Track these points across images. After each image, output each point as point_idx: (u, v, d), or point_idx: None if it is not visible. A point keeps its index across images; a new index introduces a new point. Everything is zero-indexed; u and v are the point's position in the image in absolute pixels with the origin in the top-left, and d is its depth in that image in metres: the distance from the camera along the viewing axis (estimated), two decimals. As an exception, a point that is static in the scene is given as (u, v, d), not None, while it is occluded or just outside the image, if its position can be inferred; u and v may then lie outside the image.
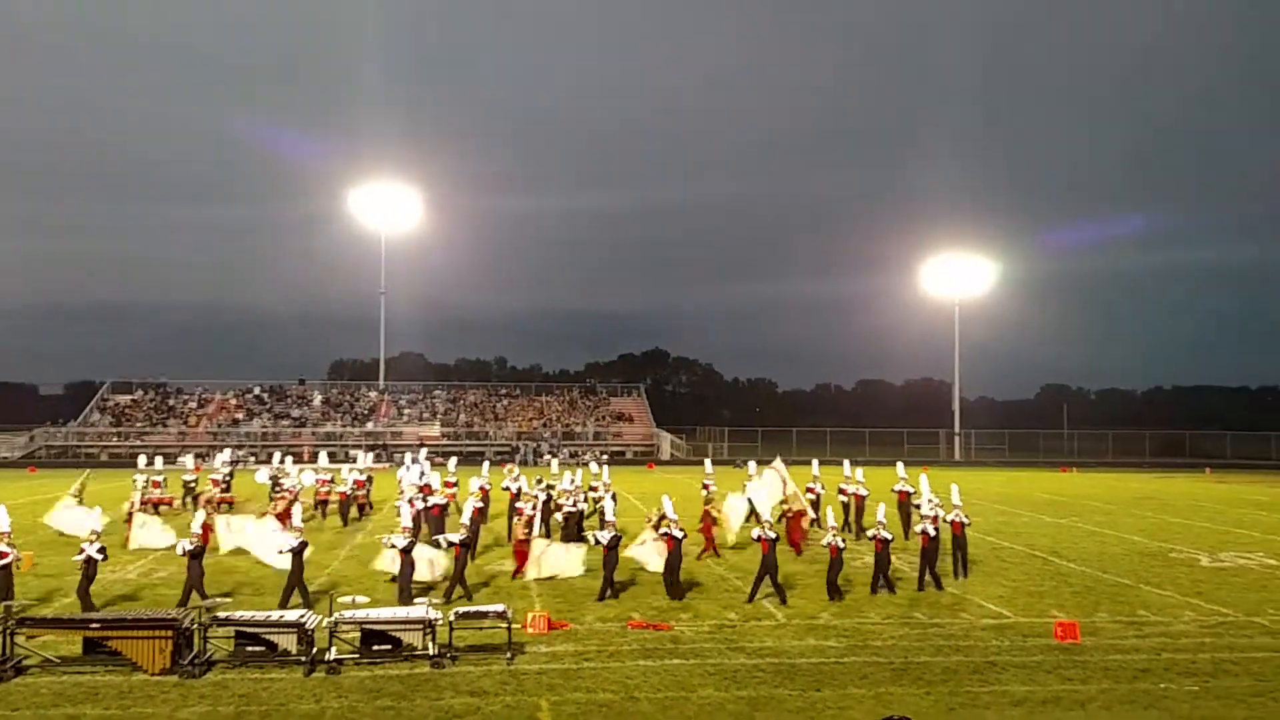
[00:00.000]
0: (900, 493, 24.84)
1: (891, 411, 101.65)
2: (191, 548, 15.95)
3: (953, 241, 77.55)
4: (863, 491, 24.82)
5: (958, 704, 11.66)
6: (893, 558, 18.83)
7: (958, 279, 73.42)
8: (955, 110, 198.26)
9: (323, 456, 31.75)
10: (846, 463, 26.77)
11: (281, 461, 31.07)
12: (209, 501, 23.77)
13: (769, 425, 76.72)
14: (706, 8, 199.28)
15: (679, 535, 17.44)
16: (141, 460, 29.44)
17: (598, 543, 17.62)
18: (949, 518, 19.66)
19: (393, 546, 16.69)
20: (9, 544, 15.39)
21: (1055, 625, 15.10)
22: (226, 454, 31.75)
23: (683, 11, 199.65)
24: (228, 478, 29.23)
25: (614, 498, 22.86)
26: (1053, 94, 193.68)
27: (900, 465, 26.04)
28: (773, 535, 17.13)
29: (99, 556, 15.63)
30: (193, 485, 29.85)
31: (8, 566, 14.96)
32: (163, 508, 26.91)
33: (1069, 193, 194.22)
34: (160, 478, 28.24)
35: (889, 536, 17.93)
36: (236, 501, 27.29)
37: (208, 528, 19.05)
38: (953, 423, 74.29)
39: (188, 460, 31.10)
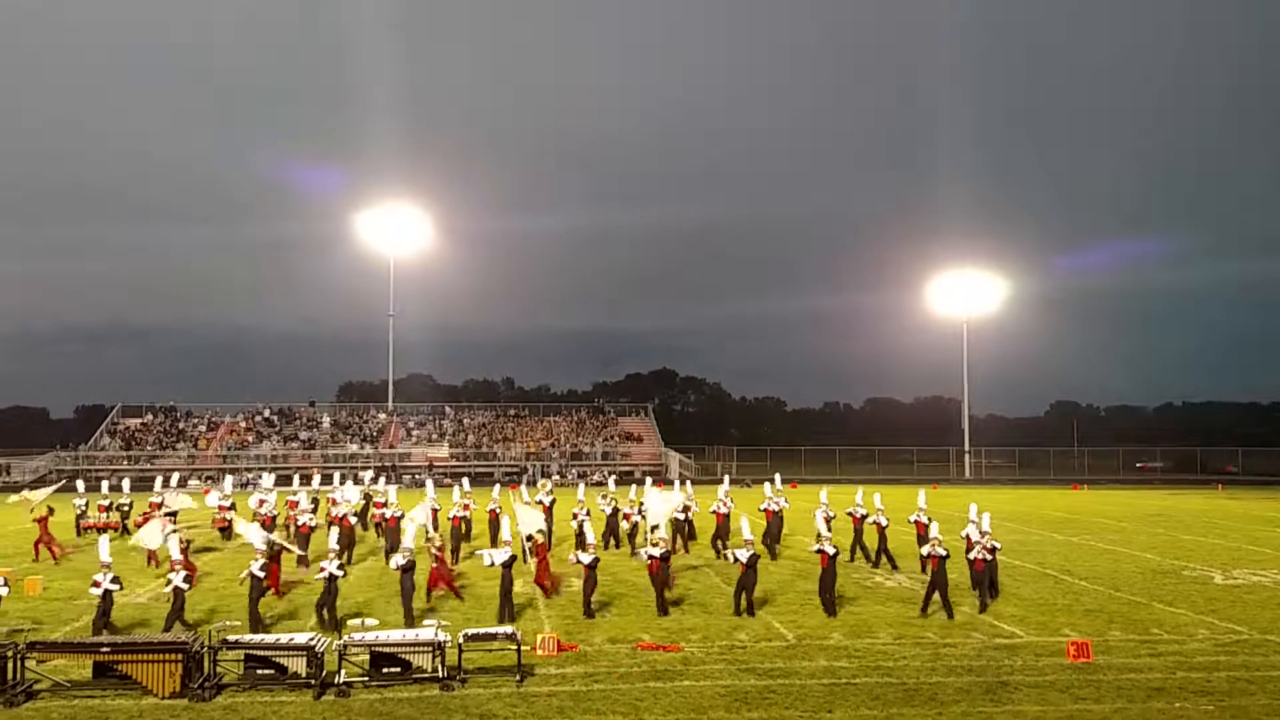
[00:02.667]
0: (918, 523, 22.87)
1: (901, 429, 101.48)
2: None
3: (961, 258, 77.46)
4: (882, 521, 23.39)
5: (970, 724, 11.59)
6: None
7: (966, 296, 73.30)
8: (964, 127, 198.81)
9: (267, 479, 31.46)
10: (861, 491, 25.24)
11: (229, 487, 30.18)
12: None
13: (778, 444, 76.57)
14: (713, 27, 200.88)
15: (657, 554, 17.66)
16: (158, 483, 29.34)
17: (577, 561, 17.90)
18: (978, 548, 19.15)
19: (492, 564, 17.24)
20: None
21: (1068, 644, 14.99)
22: (228, 482, 31.74)
23: (689, 31, 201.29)
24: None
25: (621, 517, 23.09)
26: (1062, 112, 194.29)
27: (922, 494, 24.58)
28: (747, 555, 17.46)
29: (114, 588, 15.65)
30: (126, 509, 29.23)
31: None
32: (110, 532, 25.77)
33: (1078, 210, 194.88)
34: (105, 501, 28.14)
35: (944, 553, 17.37)
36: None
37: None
38: (962, 440, 74.03)
39: (268, 480, 30.85)
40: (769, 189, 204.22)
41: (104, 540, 17.19)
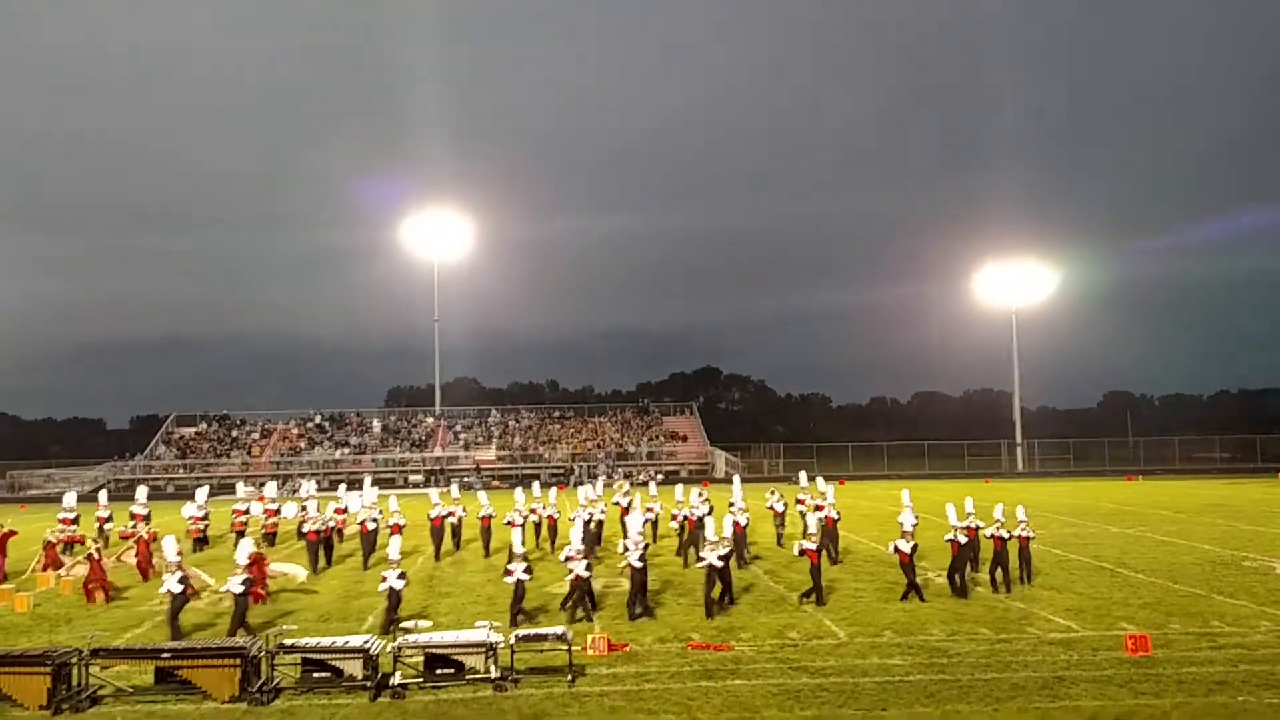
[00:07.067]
0: (953, 543, 19.26)
1: (950, 423, 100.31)
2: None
3: (1008, 248, 76.43)
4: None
5: (1027, 721, 11.45)
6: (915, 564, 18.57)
7: (1015, 286, 72.33)
8: (1010, 116, 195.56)
9: (307, 486, 31.67)
10: (905, 493, 23.98)
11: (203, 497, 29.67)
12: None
13: (824, 440, 76.10)
14: (755, 27, 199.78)
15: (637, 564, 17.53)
16: (200, 493, 29.31)
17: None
18: (1016, 532, 19.43)
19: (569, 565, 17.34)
20: None
21: (1126, 638, 14.73)
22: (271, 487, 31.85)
23: (730, 32, 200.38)
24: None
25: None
26: (1108, 99, 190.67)
27: (951, 510, 19.97)
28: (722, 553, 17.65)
29: (178, 588, 16.00)
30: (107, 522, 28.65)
31: None
32: (77, 546, 25.87)
33: (1129, 197, 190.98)
34: (73, 515, 27.00)
35: (964, 540, 18.65)
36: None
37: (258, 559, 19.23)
38: (1014, 433, 73.08)
39: (309, 486, 31.02)
40: (811, 185, 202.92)
41: (169, 540, 17.60)
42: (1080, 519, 33.27)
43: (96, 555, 20.30)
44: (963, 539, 18.73)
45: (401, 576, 16.50)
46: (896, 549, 18.56)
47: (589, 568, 17.52)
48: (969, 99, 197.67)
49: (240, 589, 15.96)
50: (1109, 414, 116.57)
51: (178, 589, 16.02)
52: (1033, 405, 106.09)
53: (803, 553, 18.77)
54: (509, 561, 17.41)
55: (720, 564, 17.62)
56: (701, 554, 17.67)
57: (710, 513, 23.16)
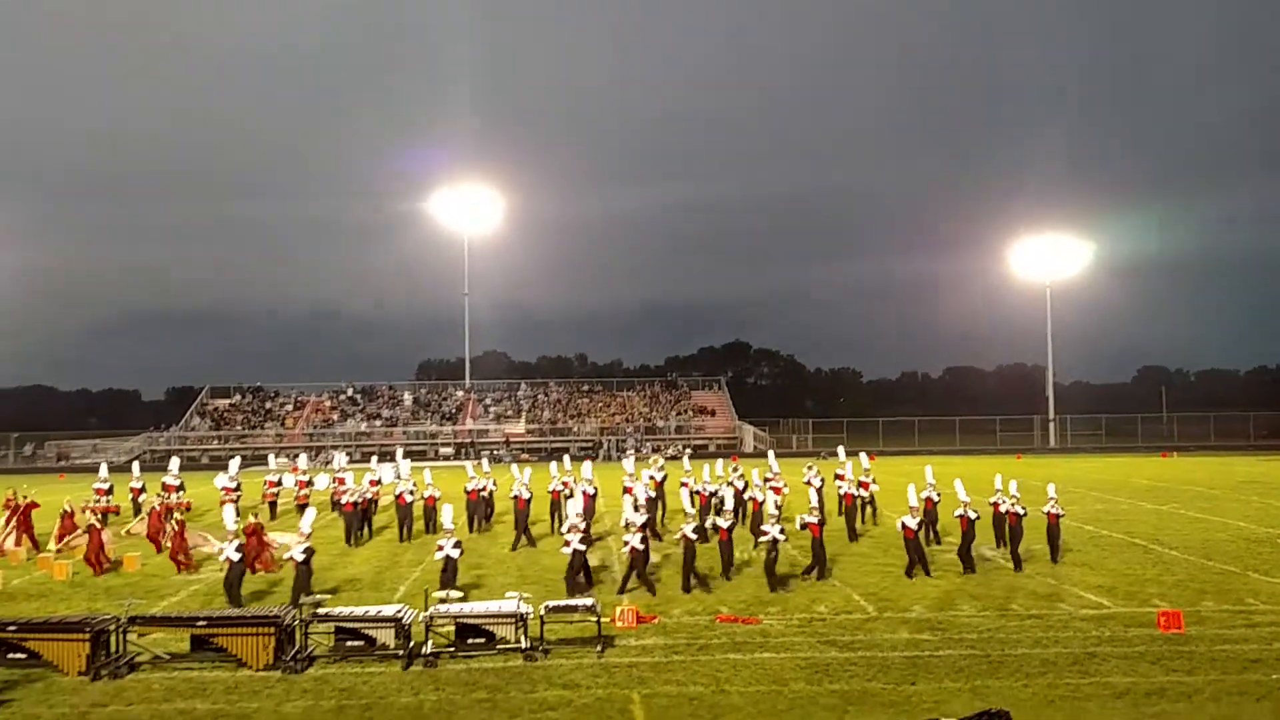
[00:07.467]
0: (963, 519, 19.13)
1: (982, 399, 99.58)
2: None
3: (1042, 221, 75.38)
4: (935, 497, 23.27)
5: (1057, 696, 11.40)
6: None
7: (1049, 260, 71.31)
8: (1042, 88, 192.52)
9: (339, 458, 31.87)
10: (929, 469, 24.14)
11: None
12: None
13: (854, 415, 75.79)
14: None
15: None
16: (232, 464, 29.12)
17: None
18: (1045, 509, 19.31)
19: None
20: None
21: (1158, 615, 14.62)
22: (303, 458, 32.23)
23: (757, 3, 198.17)
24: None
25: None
26: (1144, 68, 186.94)
27: (960, 485, 20.67)
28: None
29: (236, 556, 16.33)
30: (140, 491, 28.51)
31: None
32: (111, 516, 25.92)
33: (1165, 169, 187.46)
34: (107, 485, 26.85)
35: (975, 515, 18.82)
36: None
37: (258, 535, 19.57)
38: (1047, 409, 72.34)
39: (341, 458, 31.45)
40: (840, 157, 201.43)
41: (229, 509, 17.97)
42: (1113, 495, 32.98)
43: (99, 526, 20.50)
44: (972, 514, 18.74)
45: (457, 545, 16.87)
46: (904, 525, 18.51)
47: (644, 540, 17.69)
48: (1005, 68, 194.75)
49: (302, 556, 16.15)
50: (1144, 389, 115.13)
51: (236, 556, 16.37)
52: (1066, 380, 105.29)
53: (804, 526, 18.82)
54: (566, 532, 17.78)
55: (783, 538, 17.79)
56: (764, 527, 17.70)
57: (745, 489, 23.26)
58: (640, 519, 18.02)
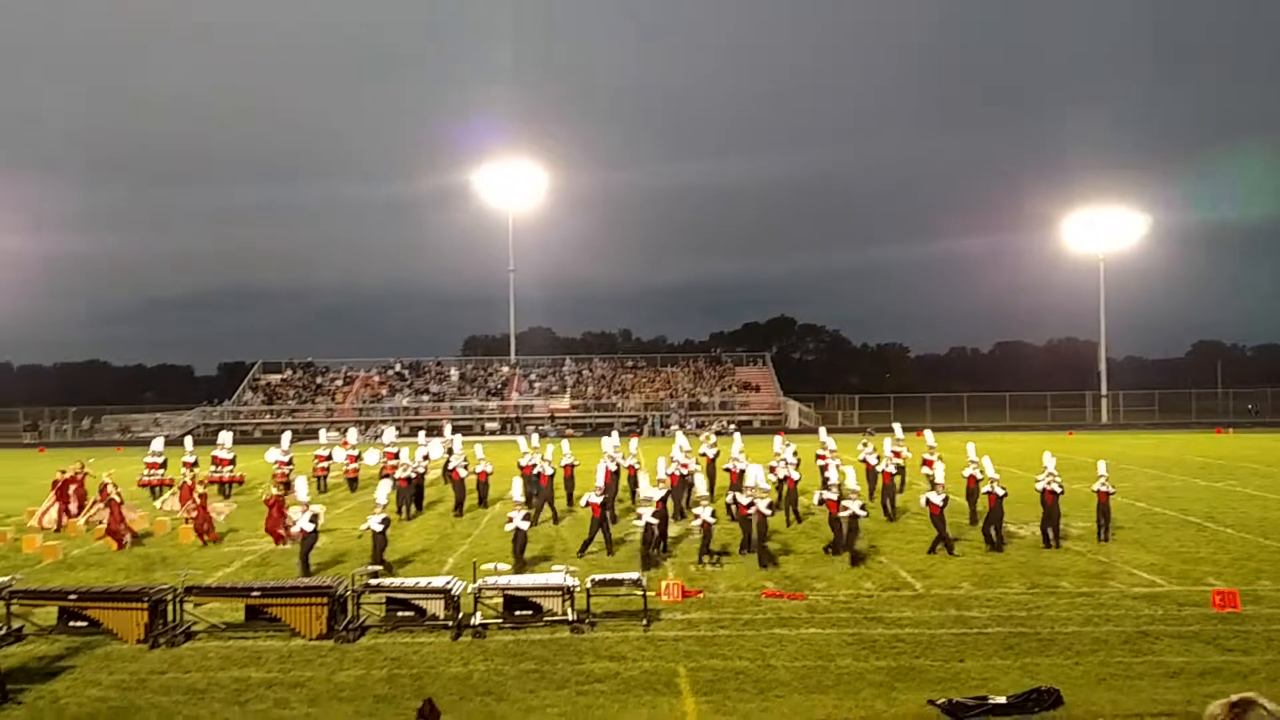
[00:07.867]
0: (990, 495, 19.14)
1: (1033, 374, 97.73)
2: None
3: (1095, 194, 73.65)
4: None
5: (1109, 675, 11.26)
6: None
7: (1102, 233, 69.84)
8: (1096, 59, 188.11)
9: (389, 432, 32.23)
10: (972, 446, 23.69)
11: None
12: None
13: (901, 391, 75.09)
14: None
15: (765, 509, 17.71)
16: (284, 438, 29.39)
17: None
18: (1095, 487, 19.08)
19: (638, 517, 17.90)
20: None
21: (1213, 594, 14.38)
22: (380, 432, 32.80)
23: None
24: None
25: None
26: (1197, 38, 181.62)
27: (989, 462, 20.77)
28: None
29: (309, 527, 16.72)
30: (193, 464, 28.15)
31: None
32: (165, 489, 26.91)
33: (1219, 138, 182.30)
34: (160, 459, 27.79)
35: (1003, 492, 18.56)
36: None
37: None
38: (1099, 384, 71.08)
39: (390, 433, 32.04)
40: (889, 133, 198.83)
41: (300, 481, 18.43)
42: (1166, 472, 32.40)
43: (118, 500, 20.86)
44: (1000, 491, 18.49)
45: (526, 518, 17.29)
46: (928, 501, 18.38)
47: (714, 514, 17.83)
48: (1057, 40, 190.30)
49: (380, 526, 16.46)
50: (1198, 364, 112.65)
51: (309, 527, 16.74)
52: (1119, 355, 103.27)
53: (822, 502, 18.81)
54: (637, 505, 18.28)
55: (864, 513, 17.83)
56: (845, 502, 17.68)
57: (798, 465, 23.14)
58: (658, 494, 18.23)
